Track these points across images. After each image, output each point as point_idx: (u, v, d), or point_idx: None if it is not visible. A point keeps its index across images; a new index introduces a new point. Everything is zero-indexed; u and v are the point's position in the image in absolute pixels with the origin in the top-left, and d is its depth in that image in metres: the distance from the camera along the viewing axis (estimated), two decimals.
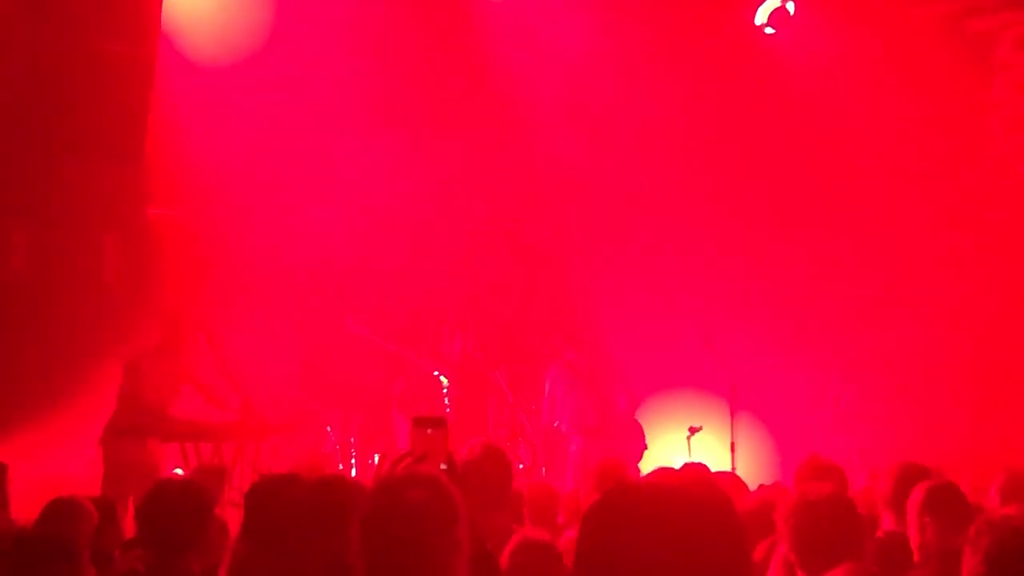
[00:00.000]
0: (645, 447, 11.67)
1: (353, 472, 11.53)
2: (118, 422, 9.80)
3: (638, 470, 10.78)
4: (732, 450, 10.82)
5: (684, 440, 11.45)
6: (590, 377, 11.89)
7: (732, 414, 10.96)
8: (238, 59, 11.92)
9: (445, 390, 11.68)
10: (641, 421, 11.99)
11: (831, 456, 7.41)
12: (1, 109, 10.85)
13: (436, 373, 11.77)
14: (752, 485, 7.42)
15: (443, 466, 3.94)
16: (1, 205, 11.52)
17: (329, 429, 11.78)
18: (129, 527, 6.79)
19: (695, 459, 10.98)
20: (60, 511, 5.97)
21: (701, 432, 11.47)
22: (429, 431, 4.11)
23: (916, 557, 5.38)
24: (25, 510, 6.72)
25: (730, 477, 7.21)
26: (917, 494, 5.43)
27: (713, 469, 7.65)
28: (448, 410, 11.58)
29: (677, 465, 10.72)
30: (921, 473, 5.88)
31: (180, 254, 12.15)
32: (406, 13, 13.02)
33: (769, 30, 13.20)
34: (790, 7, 13.10)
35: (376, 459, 11.59)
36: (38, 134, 10.99)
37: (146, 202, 12.21)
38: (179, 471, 10.10)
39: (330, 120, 12.66)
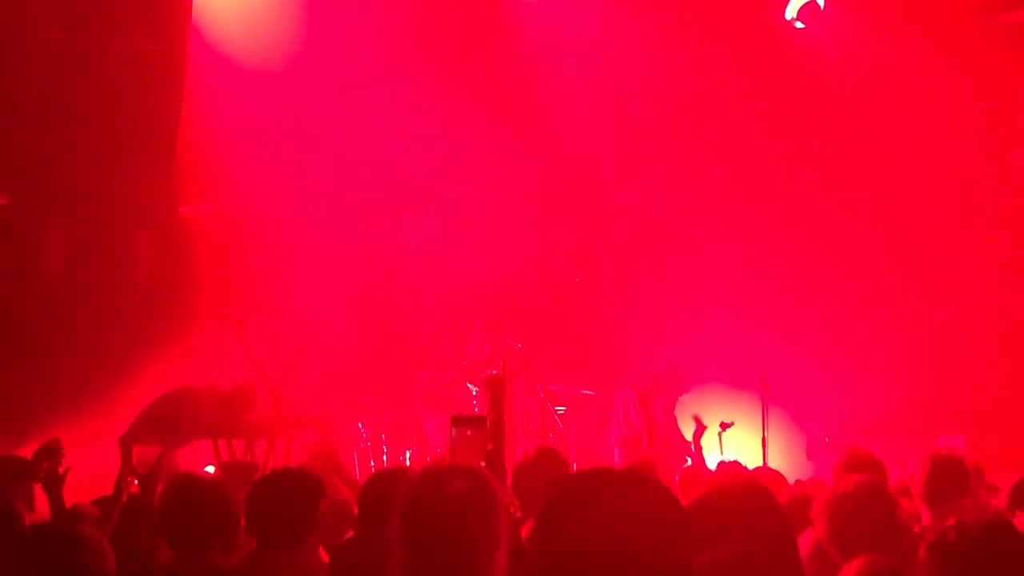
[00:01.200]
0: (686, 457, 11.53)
1: None
2: (148, 422, 9.84)
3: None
4: (764, 445, 10.80)
5: (716, 436, 11.40)
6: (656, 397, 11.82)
7: (763, 410, 10.93)
8: (269, 56, 11.96)
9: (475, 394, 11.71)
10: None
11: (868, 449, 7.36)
12: (35, 108, 10.93)
13: (470, 386, 11.78)
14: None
15: (481, 464, 3.93)
16: (36, 203, 11.60)
17: (360, 426, 11.80)
18: None
19: (727, 455, 11.02)
20: (74, 515, 5.96)
21: (732, 428, 11.42)
22: (469, 432, 4.11)
23: None
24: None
25: (769, 472, 7.17)
26: None
27: (746, 465, 7.63)
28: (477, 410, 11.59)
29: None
30: (955, 466, 5.82)
31: (212, 251, 12.20)
32: (436, 11, 13.02)
33: (799, 24, 13.13)
34: (820, 1, 13.02)
35: (408, 456, 11.62)
36: (71, 133, 11.06)
37: (179, 199, 12.27)
38: (211, 468, 10.14)
39: (360, 117, 12.69)
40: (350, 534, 5.22)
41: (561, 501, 2.40)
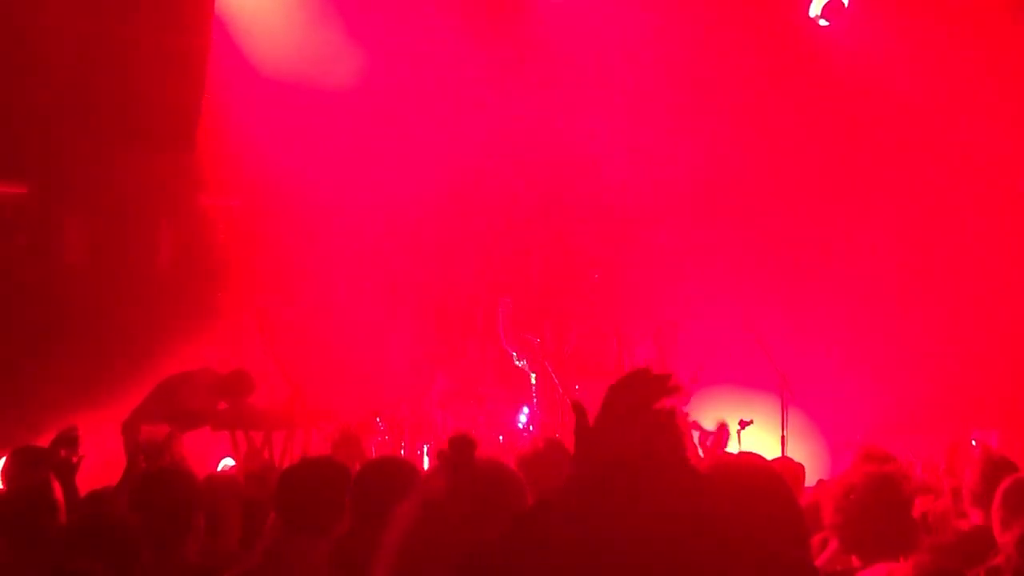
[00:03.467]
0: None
1: None
2: (149, 407, 9.88)
3: None
4: (783, 444, 10.77)
5: (735, 433, 11.37)
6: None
7: (783, 408, 10.90)
8: (290, 48, 11.96)
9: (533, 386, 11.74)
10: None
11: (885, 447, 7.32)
12: (56, 99, 10.95)
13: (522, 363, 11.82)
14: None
15: None
16: (57, 194, 11.64)
17: (379, 420, 11.79)
18: None
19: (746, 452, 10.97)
20: (95, 501, 6.00)
21: (752, 426, 11.39)
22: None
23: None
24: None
25: (790, 463, 7.07)
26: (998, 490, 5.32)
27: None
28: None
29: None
30: (1007, 467, 5.74)
31: (233, 241, 12.22)
32: (457, 5, 12.99)
33: (823, 22, 13.07)
34: None
35: (426, 450, 11.60)
36: (92, 124, 11.09)
37: (199, 191, 12.30)
38: (230, 460, 10.16)
39: (381, 108, 12.68)
40: None
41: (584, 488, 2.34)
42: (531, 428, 11.52)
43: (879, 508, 4.29)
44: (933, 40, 12.83)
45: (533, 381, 11.81)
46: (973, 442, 9.44)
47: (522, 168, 13.61)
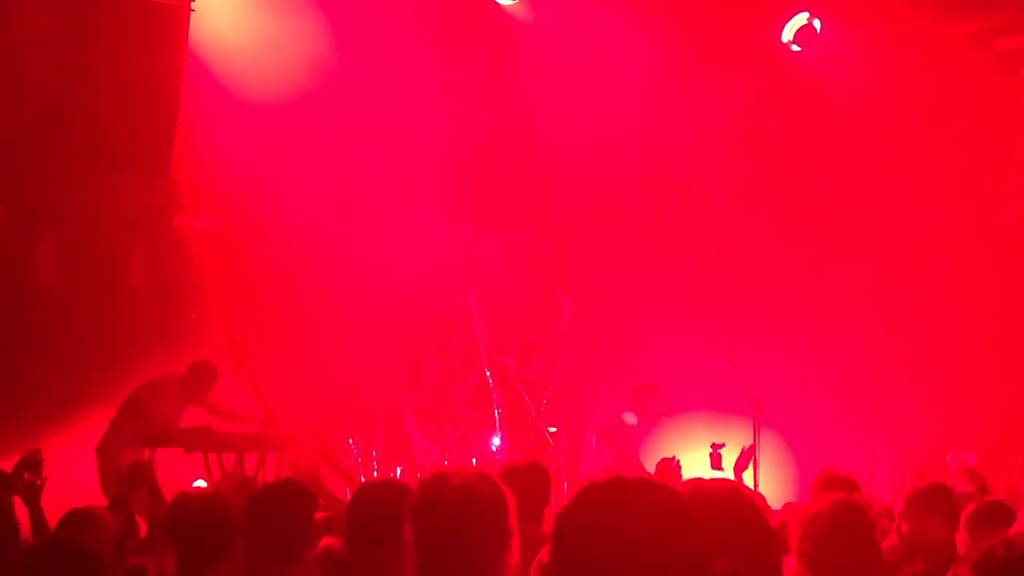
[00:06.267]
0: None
1: None
2: (130, 432, 9.86)
3: None
4: (755, 467, 10.77)
5: (707, 457, 11.38)
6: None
7: (755, 431, 10.91)
8: (264, 71, 11.96)
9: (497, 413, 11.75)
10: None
11: (854, 471, 7.35)
12: (30, 120, 10.93)
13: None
14: (775, 502, 7.37)
15: None
16: (29, 215, 11.61)
17: (351, 442, 11.78)
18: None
19: (718, 477, 10.99)
20: (76, 520, 5.99)
21: (724, 449, 11.40)
22: None
23: None
24: (52, 517, 6.73)
25: (752, 494, 7.13)
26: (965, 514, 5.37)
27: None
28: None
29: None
30: (941, 495, 5.79)
31: (206, 264, 12.20)
32: (435, 20, 13.01)
33: (795, 47, 13.17)
34: (816, 24, 13.07)
35: (398, 472, 11.60)
36: (66, 145, 11.06)
37: (173, 213, 12.29)
38: (202, 482, 10.12)
39: (356, 129, 12.69)
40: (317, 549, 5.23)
41: (579, 510, 2.44)
42: (494, 450, 11.52)
43: (845, 535, 4.34)
44: (904, 65, 12.94)
45: (495, 405, 11.81)
46: (948, 458, 9.47)
47: (496, 189, 13.64)
